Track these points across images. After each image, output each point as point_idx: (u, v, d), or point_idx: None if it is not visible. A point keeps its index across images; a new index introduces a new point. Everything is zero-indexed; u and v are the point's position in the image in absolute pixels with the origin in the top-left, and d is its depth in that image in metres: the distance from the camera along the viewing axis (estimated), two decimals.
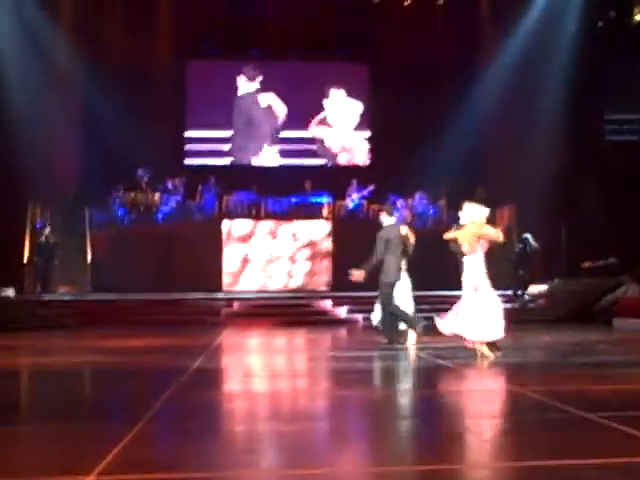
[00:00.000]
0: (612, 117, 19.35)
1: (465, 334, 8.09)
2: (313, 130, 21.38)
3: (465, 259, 8.21)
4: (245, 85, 21.25)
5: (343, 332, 12.99)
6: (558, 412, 4.86)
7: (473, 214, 8.30)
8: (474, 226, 8.19)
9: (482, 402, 5.73)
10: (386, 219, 9.76)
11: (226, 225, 17.35)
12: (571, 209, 17.73)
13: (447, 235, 8.53)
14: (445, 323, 8.24)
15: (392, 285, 9.49)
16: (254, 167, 21.00)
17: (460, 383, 6.76)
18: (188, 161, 20.77)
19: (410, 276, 10.04)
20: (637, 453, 3.69)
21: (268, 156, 21.23)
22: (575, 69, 17.64)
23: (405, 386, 6.96)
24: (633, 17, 17.75)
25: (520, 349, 9.18)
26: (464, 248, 8.14)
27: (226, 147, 21.05)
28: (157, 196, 18.12)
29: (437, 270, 15.41)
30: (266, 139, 21.27)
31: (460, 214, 8.49)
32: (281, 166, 21.06)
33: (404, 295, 9.83)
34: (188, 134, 20.84)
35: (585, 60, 17.43)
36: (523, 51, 18.52)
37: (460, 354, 8.15)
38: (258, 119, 21.24)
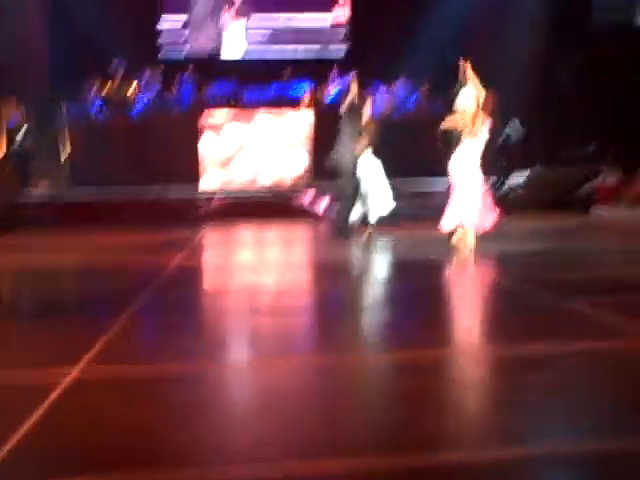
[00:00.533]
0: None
1: (467, 223, 7.87)
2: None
3: (463, 144, 7.93)
4: None
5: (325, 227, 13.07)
6: (532, 299, 4.97)
7: (470, 97, 8.00)
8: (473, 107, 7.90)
9: (461, 290, 5.84)
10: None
11: (205, 116, 17.06)
12: (550, 96, 17.53)
13: (445, 124, 8.09)
14: (446, 221, 8.04)
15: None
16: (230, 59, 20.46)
17: (438, 274, 6.87)
18: (164, 53, 20.16)
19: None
20: (603, 337, 3.80)
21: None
22: None
23: (383, 278, 7.07)
24: None
25: (498, 238, 9.28)
26: (465, 133, 7.86)
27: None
28: (134, 88, 17.70)
29: (418, 157, 15.37)
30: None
31: (456, 99, 8.14)
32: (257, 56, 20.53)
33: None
34: (164, 20, 20.15)
35: None
36: None
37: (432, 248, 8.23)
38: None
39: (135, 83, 17.71)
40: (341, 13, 20.83)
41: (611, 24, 16.81)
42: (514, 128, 15.56)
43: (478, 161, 7.93)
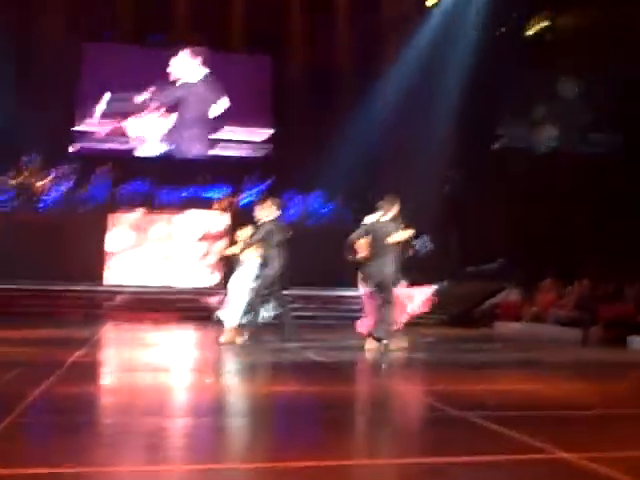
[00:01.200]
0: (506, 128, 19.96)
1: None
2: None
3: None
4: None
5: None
6: (435, 411, 4.94)
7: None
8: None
9: (361, 398, 5.77)
10: (273, 212, 9.58)
11: (117, 216, 16.92)
12: (462, 214, 18.22)
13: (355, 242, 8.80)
14: (362, 326, 8.92)
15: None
16: (145, 157, 20.53)
17: (343, 381, 6.79)
18: (78, 146, 20.07)
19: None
20: (504, 451, 3.78)
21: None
22: (470, 79, 18.08)
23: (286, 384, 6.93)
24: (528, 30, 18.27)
25: (404, 349, 9.34)
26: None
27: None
28: (44, 183, 17.46)
29: (331, 268, 15.54)
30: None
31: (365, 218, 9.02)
32: (174, 157, 20.69)
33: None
34: (80, 118, 20.16)
35: (481, 68, 17.85)
36: (422, 58, 18.85)
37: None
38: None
39: (48, 177, 17.51)
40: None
41: (514, 149, 17.77)
42: (423, 243, 16.06)
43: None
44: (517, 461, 3.62)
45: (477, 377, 6.93)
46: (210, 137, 21.05)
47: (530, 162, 16.74)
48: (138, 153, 20.48)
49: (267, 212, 9.51)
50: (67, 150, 19.41)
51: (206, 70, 21.02)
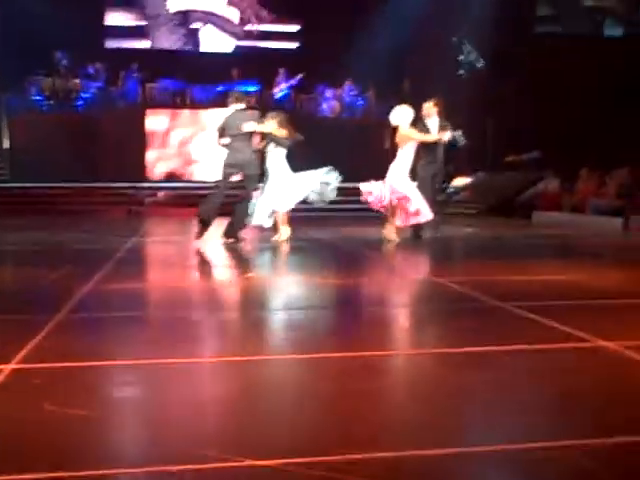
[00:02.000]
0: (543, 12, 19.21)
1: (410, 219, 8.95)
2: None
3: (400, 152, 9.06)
4: None
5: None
6: (474, 301, 5.01)
7: (403, 116, 9.10)
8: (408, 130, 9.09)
9: (399, 292, 5.86)
10: (232, 107, 8.96)
11: (150, 113, 16.86)
12: (496, 104, 17.80)
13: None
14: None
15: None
16: (179, 53, 20.25)
17: (380, 272, 6.89)
18: (109, 44, 19.84)
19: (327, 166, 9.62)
20: (544, 340, 3.84)
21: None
22: None
23: (319, 275, 7.04)
24: None
25: (441, 240, 9.39)
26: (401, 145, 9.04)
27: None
28: (77, 82, 17.38)
29: (362, 161, 15.47)
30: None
31: (391, 116, 9.19)
32: (207, 53, 20.39)
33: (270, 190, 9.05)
34: (109, 15, 19.85)
35: None
36: None
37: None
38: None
39: (81, 75, 17.44)
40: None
41: (554, 34, 17.15)
42: (459, 135, 15.77)
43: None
44: (559, 349, 3.68)
45: (516, 267, 6.97)
46: (237, 30, 20.65)
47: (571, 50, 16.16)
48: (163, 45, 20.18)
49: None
50: (99, 48, 19.19)
51: None
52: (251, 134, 8.83)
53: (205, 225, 8.81)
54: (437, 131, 9.50)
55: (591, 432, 2.53)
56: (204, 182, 16.44)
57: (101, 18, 19.73)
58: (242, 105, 8.93)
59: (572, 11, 17.69)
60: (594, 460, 2.27)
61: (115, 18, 19.86)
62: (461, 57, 17.34)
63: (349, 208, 14.63)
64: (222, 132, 8.81)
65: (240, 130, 8.65)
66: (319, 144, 16.33)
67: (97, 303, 5.04)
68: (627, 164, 12.94)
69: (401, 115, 9.14)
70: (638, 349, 3.57)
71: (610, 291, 5.53)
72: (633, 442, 2.44)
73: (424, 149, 9.33)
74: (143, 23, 20.06)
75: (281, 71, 18.67)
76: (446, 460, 2.31)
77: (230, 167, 8.76)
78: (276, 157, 9.03)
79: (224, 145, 8.82)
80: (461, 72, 17.13)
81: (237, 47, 20.78)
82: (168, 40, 20.28)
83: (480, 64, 16.82)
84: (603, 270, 6.85)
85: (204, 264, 7.80)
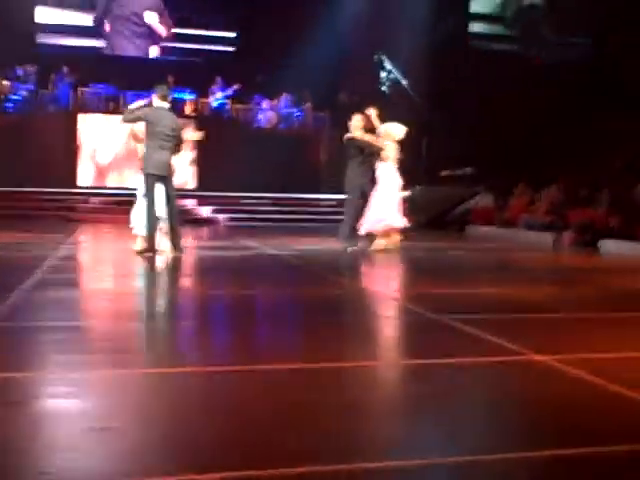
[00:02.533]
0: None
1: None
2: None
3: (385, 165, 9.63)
4: None
5: (204, 231, 13.06)
6: (409, 314, 4.97)
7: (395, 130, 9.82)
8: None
9: (336, 303, 5.78)
10: (156, 102, 8.22)
11: (82, 119, 16.47)
12: (432, 118, 18.02)
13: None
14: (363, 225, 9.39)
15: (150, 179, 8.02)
16: (113, 57, 19.89)
17: (322, 285, 6.81)
18: (41, 40, 19.35)
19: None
20: (478, 353, 3.82)
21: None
22: None
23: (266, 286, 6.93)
24: None
25: (379, 253, 9.40)
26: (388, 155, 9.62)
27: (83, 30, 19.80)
28: (5, 84, 16.87)
29: (298, 172, 15.43)
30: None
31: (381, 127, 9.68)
32: (143, 58, 20.10)
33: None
34: (40, 13, 19.39)
35: None
36: None
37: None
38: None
39: (11, 77, 16.95)
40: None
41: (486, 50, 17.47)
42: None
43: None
44: (493, 363, 3.66)
45: (450, 281, 6.99)
46: (171, 35, 20.49)
47: (500, 65, 16.49)
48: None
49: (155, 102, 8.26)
50: (30, 49, 18.69)
51: None
52: (179, 141, 8.22)
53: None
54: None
55: (525, 444, 2.50)
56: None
57: (32, 16, 19.26)
58: (166, 105, 8.22)
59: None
60: (530, 471, 2.24)
61: (46, 15, 19.42)
62: (382, 74, 17.53)
63: (283, 219, 14.64)
64: (136, 120, 8.08)
65: (171, 132, 7.99)
66: (256, 155, 16.29)
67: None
68: (558, 181, 13.22)
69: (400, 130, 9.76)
70: (569, 362, 3.59)
71: (542, 305, 5.58)
72: (564, 455, 2.42)
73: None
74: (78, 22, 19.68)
75: (218, 80, 18.52)
76: (389, 473, 2.24)
77: (155, 169, 7.95)
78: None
79: (138, 140, 8.20)
80: (383, 89, 17.31)
81: (174, 53, 20.58)
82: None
83: (404, 82, 17.01)
84: (532, 285, 6.92)
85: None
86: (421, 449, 2.49)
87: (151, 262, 7.66)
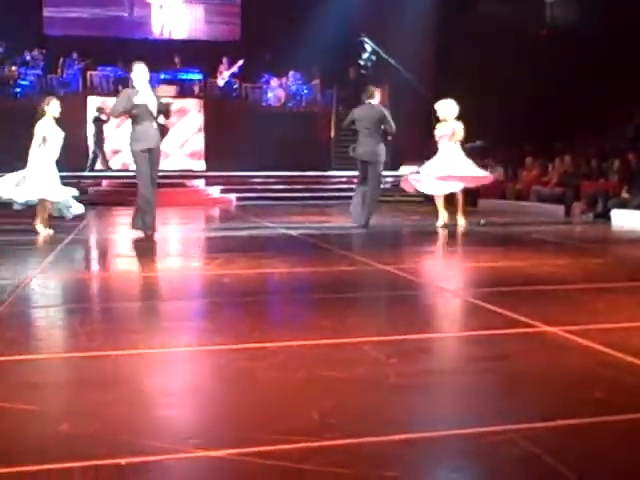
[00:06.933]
0: None
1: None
2: None
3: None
4: None
5: (215, 211, 13.07)
6: (420, 288, 4.99)
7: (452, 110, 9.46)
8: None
9: (344, 279, 5.80)
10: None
11: (91, 101, 16.49)
12: (442, 92, 17.87)
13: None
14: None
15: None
16: (120, 40, 19.84)
17: (330, 259, 6.82)
18: (48, 31, 19.33)
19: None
20: (488, 326, 3.84)
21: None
22: None
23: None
24: None
25: (389, 228, 9.41)
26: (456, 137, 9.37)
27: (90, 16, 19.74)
28: (14, 69, 16.88)
29: (308, 150, 15.39)
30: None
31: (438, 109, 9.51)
32: (150, 40, 20.04)
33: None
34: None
35: None
36: None
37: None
38: None
39: (19, 62, 16.96)
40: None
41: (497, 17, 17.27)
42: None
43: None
44: (504, 335, 3.68)
45: (461, 254, 6.99)
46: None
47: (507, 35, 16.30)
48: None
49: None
50: (38, 35, 18.68)
51: None
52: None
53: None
54: None
55: (535, 417, 2.51)
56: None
57: (40, 6, 19.24)
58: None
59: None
60: (538, 444, 2.25)
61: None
62: (364, 56, 17.42)
63: (294, 197, 14.64)
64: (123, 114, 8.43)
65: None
66: (265, 133, 16.25)
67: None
68: (569, 152, 13.13)
69: (450, 109, 9.38)
70: (580, 333, 3.59)
71: (553, 277, 5.57)
72: (575, 425, 2.43)
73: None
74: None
75: (224, 60, 18.47)
76: (398, 446, 2.26)
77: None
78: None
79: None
80: (362, 71, 17.22)
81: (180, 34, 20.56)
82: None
83: (391, 60, 16.93)
84: (544, 257, 6.91)
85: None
86: (434, 422, 2.51)
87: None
